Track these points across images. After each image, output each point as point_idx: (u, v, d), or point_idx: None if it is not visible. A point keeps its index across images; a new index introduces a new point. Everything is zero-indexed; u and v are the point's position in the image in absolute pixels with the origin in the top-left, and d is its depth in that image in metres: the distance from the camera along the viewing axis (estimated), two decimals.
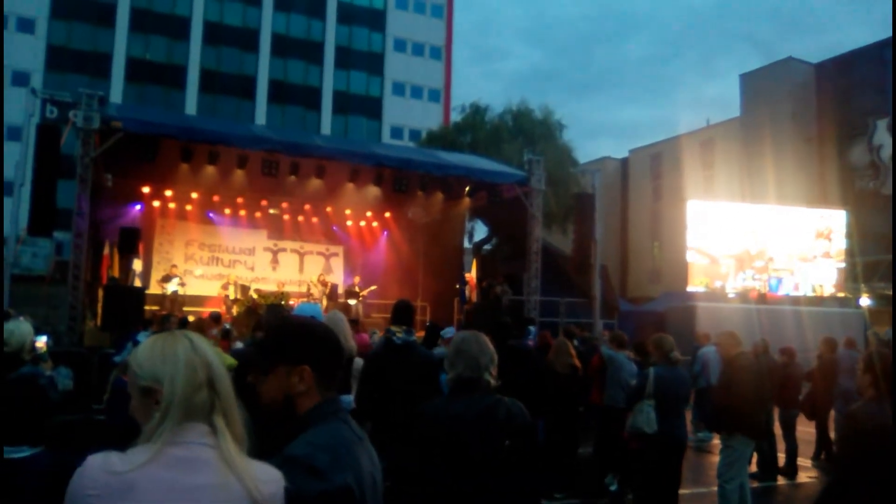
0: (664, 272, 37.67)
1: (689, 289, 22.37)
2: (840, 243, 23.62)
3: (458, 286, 18.85)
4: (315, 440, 1.71)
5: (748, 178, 34.68)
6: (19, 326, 3.97)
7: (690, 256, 22.56)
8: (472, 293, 18.79)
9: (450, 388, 2.88)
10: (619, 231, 43.78)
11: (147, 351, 1.54)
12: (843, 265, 23.62)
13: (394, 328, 4.82)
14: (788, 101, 35.37)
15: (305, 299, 18.03)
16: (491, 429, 2.70)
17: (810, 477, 9.43)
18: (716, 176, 38.35)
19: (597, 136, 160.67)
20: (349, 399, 5.33)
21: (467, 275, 19.12)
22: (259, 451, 1.59)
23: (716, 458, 10.05)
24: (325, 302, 18.28)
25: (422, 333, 8.12)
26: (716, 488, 6.48)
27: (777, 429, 9.59)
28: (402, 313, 4.91)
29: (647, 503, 6.08)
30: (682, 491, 6.58)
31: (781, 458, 9.50)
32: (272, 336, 1.90)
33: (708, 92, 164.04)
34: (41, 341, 6.04)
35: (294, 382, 1.79)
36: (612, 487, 7.73)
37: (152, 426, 1.45)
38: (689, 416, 11.92)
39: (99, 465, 1.38)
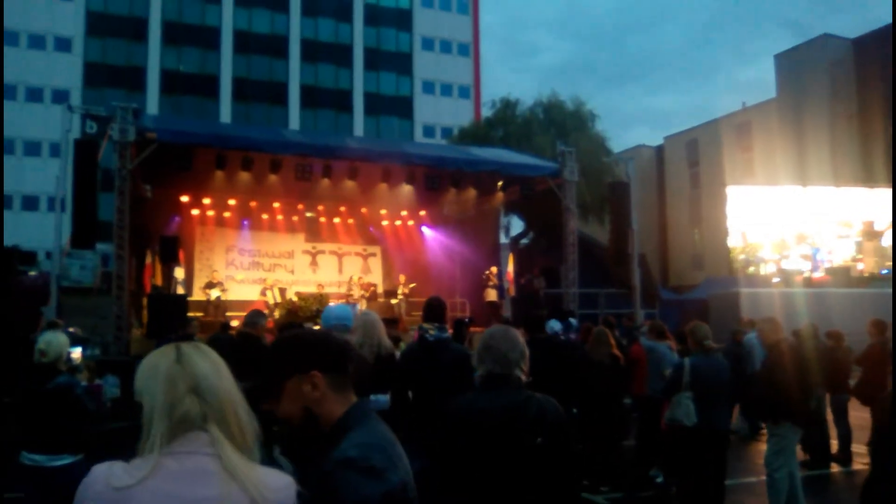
0: (706, 259, 37.06)
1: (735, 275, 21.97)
2: (887, 222, 22.95)
3: (487, 281, 18.71)
4: (365, 440, 1.68)
5: (787, 159, 33.91)
6: (56, 338, 4.05)
7: (732, 241, 22.15)
8: (509, 288, 18.71)
9: (479, 385, 2.83)
10: (657, 220, 43.16)
11: (140, 366, 1.56)
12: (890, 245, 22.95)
13: (426, 325, 4.80)
14: (826, 79, 34.49)
15: (345, 300, 18.13)
16: (521, 426, 2.64)
17: (865, 464, 9.15)
18: (754, 159, 37.57)
19: (632, 125, 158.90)
20: (385, 399, 5.31)
21: (492, 270, 18.92)
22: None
23: (765, 447, 9.86)
24: (364, 302, 18.36)
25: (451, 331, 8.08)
26: (765, 478, 6.32)
27: (829, 415, 9.34)
28: (434, 310, 4.88)
29: (691, 495, 5.93)
30: (730, 481, 6.45)
31: (835, 444, 9.25)
32: (270, 357, 1.86)
33: (743, 75, 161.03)
34: (77, 352, 6.15)
35: (308, 391, 1.75)
36: (658, 479, 7.61)
37: (142, 439, 1.45)
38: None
39: (102, 478, 1.39)
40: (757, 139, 38.15)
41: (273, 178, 16.47)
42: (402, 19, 50.35)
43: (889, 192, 23.51)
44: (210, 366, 1.53)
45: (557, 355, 5.88)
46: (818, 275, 21.83)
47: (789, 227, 22.25)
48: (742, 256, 22.09)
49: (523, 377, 2.80)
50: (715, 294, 21.54)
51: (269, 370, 1.82)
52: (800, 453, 8.90)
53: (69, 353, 4.14)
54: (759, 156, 37.38)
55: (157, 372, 1.49)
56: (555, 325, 7.29)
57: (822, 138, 32.81)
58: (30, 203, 39.22)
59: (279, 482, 1.49)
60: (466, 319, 11.10)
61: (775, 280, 21.85)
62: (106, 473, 1.39)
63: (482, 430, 2.65)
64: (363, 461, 1.60)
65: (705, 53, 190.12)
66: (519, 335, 2.90)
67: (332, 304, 17.96)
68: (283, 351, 1.85)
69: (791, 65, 36.39)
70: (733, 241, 22.16)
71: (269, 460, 1.78)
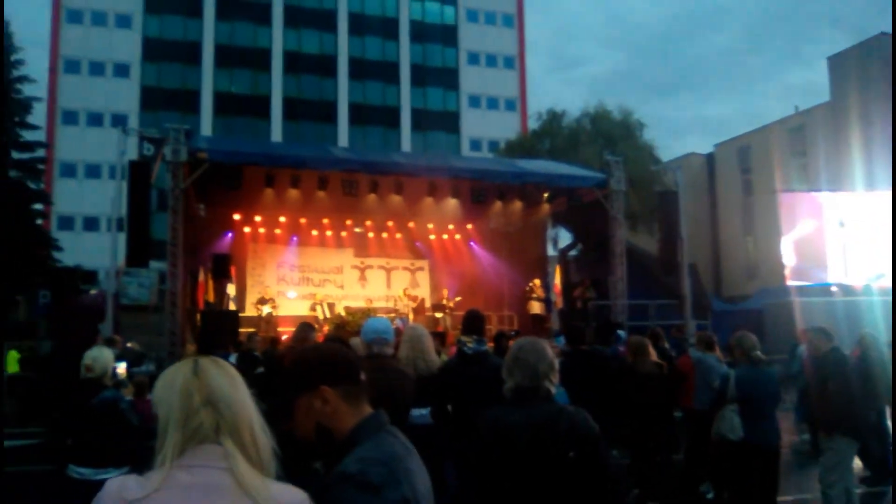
0: (760, 268, 36.13)
1: (790, 283, 21.34)
2: None
3: (531, 294, 18.56)
4: (366, 455, 1.68)
5: (843, 163, 32.92)
6: (102, 353, 4.18)
7: (786, 249, 21.56)
8: (556, 300, 18.56)
9: (509, 398, 2.81)
10: (709, 229, 42.27)
11: (159, 378, 1.58)
12: None
13: (464, 338, 4.79)
14: (882, 79, 33.43)
15: (393, 314, 18.24)
16: (553, 440, 2.62)
17: None
18: (809, 164, 36.58)
19: (683, 135, 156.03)
20: (424, 412, 5.31)
21: (535, 282, 18.75)
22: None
23: None
24: (412, 316, 18.44)
25: (492, 344, 8.04)
26: (820, 494, 6.12)
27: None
28: (473, 323, 4.87)
29: None
30: (783, 498, 6.25)
31: None
32: (282, 376, 1.88)
33: (796, 80, 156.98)
34: (122, 367, 6.33)
35: (319, 407, 1.76)
36: (709, 495, 7.42)
37: (157, 451, 1.47)
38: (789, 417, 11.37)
39: (115, 491, 1.40)
40: (810, 144, 37.16)
41: (321, 194, 16.74)
42: (448, 35, 50.72)
43: None
44: (226, 379, 1.53)
45: (594, 367, 5.80)
46: (878, 282, 21.05)
47: (846, 234, 21.55)
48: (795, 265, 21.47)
49: (553, 389, 2.78)
50: (769, 304, 20.99)
51: (281, 391, 1.83)
52: (859, 468, 8.60)
53: (115, 369, 4.26)
54: (813, 161, 36.39)
55: (173, 384, 1.51)
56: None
57: (880, 141, 31.76)
58: (90, 224, 40.62)
59: (293, 498, 1.48)
60: (512, 333, 11.04)
61: (834, 289, 21.17)
62: (119, 486, 1.41)
63: (513, 444, 2.64)
64: (361, 476, 1.59)
65: (756, 59, 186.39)
66: (548, 346, 2.88)
67: (371, 318, 17.94)
68: (290, 370, 1.86)
69: (845, 66, 35.39)
70: (788, 250, 21.55)
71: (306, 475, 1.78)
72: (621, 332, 12.25)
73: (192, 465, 1.43)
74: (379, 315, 18.19)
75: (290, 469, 1.67)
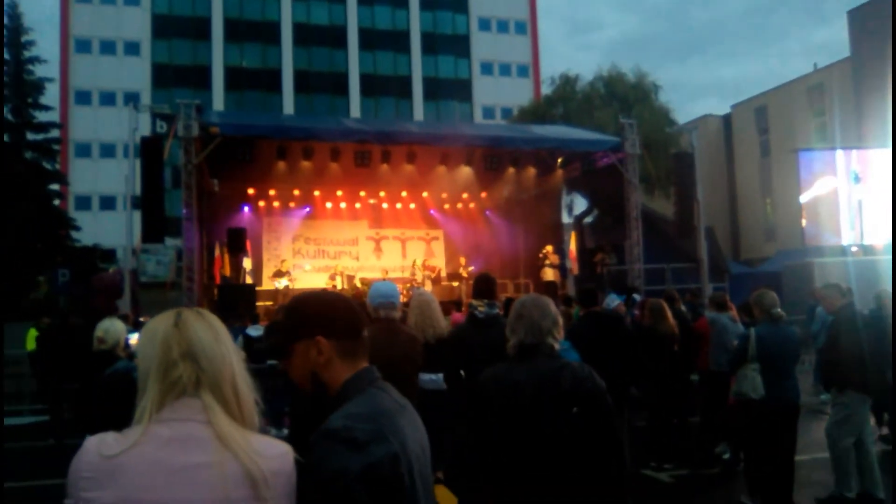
0: (779, 230, 35.71)
1: (808, 244, 21.07)
2: None
3: (544, 260, 18.48)
4: (353, 411, 1.64)
5: (864, 121, 32.30)
6: (113, 324, 4.22)
7: (806, 210, 21.26)
8: (572, 266, 18.50)
9: (512, 355, 2.78)
10: (727, 191, 41.77)
11: (142, 332, 1.55)
12: None
13: (475, 302, 4.76)
14: None
15: (409, 284, 18.29)
16: (556, 396, 2.59)
17: None
18: (828, 123, 35.94)
19: (702, 97, 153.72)
20: (438, 378, 5.33)
21: (548, 249, 18.62)
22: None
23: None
24: (429, 285, 18.47)
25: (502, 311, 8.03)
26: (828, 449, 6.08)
27: None
28: (484, 287, 4.85)
29: (759, 472, 5.73)
30: (800, 457, 6.21)
31: None
32: (282, 317, 1.86)
33: (816, 37, 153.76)
34: (134, 338, 6.37)
35: (314, 356, 1.73)
36: (725, 456, 7.41)
37: (137, 404, 1.44)
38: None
39: (93, 448, 1.37)
40: (830, 102, 36.47)
41: (334, 166, 16.73)
42: (458, 1, 50.08)
43: None
44: (208, 332, 1.49)
45: (607, 329, 5.76)
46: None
47: (862, 192, 21.19)
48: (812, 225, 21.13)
49: (556, 346, 2.75)
50: (788, 266, 20.79)
51: (280, 332, 1.81)
52: (875, 428, 8.55)
53: (128, 340, 4.30)
54: (832, 120, 35.75)
55: (154, 336, 1.48)
56: (612, 300, 7.15)
57: None
58: (107, 203, 40.92)
59: (275, 450, 1.46)
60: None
61: (854, 249, 20.88)
62: (98, 443, 1.38)
63: (516, 400, 2.62)
64: (346, 432, 1.55)
65: (773, 18, 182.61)
66: (551, 303, 2.85)
67: (377, 282, 17.85)
68: (290, 314, 1.83)
69: (866, 20, 34.51)
70: (807, 210, 21.24)
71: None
72: (636, 296, 12.21)
73: (172, 419, 1.40)
74: (397, 286, 18.27)
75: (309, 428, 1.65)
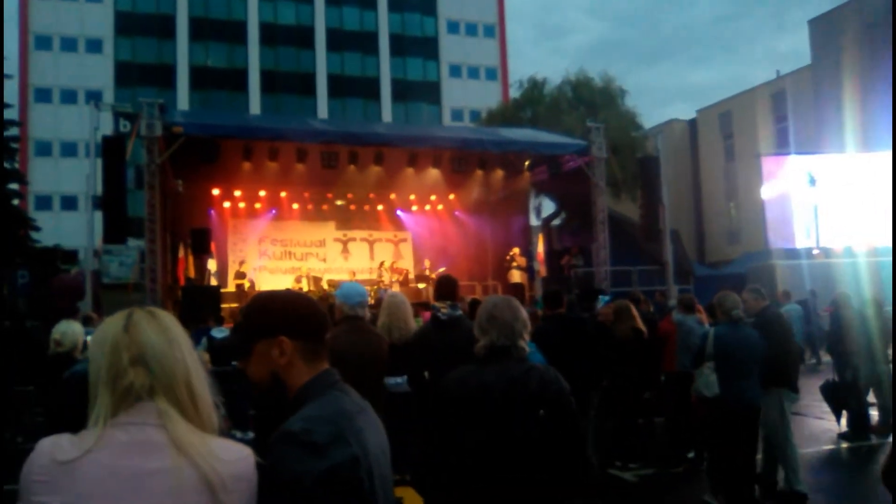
0: (743, 233, 36.36)
1: (771, 247, 21.49)
2: None
3: (511, 263, 18.56)
4: (312, 413, 1.61)
5: (824, 127, 33.01)
6: (70, 327, 4.13)
7: (769, 213, 21.67)
8: (539, 269, 18.60)
9: (480, 356, 2.76)
10: (692, 195, 42.40)
11: (93, 335, 1.51)
12: None
13: (438, 304, 4.74)
14: (862, 41, 33.38)
15: (377, 286, 18.21)
16: (523, 398, 2.58)
17: None
18: (790, 128, 36.68)
19: (669, 103, 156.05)
20: (399, 381, 5.28)
21: (514, 251, 18.70)
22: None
23: (804, 420, 9.67)
24: (397, 287, 18.40)
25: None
26: (803, 451, 6.22)
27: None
28: (445, 288, 4.82)
29: (720, 470, 5.81)
30: (760, 456, 6.30)
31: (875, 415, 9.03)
32: (243, 315, 1.81)
33: (781, 46, 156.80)
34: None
35: (275, 356, 1.70)
36: (689, 455, 7.49)
37: (90, 409, 1.40)
38: None
39: (47, 451, 1.33)
40: (792, 108, 37.22)
41: (300, 167, 16.59)
42: (427, 3, 50.08)
43: None
44: (160, 334, 1.45)
45: (570, 331, 5.79)
46: (858, 245, 21.22)
47: (826, 196, 21.66)
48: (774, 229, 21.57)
49: (526, 348, 2.75)
50: (752, 267, 21.14)
51: (241, 331, 1.78)
52: (841, 426, 8.73)
53: (85, 341, 4.20)
54: (794, 125, 36.48)
55: (104, 341, 1.43)
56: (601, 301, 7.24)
57: (862, 103, 31.80)
58: (69, 203, 40.08)
59: (234, 454, 1.42)
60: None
61: (816, 252, 21.33)
62: (51, 447, 1.34)
63: (485, 402, 2.60)
64: (304, 435, 1.52)
65: (740, 26, 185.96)
66: (520, 305, 2.85)
67: (348, 281, 17.74)
68: (253, 312, 1.79)
69: (825, 29, 35.32)
70: (770, 213, 21.66)
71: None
72: (604, 298, 12.31)
73: (128, 423, 1.37)
74: (365, 288, 18.16)
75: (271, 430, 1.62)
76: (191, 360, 1.46)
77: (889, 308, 9.59)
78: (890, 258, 19.85)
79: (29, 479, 1.32)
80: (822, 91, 34.51)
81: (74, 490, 1.30)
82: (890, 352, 8.54)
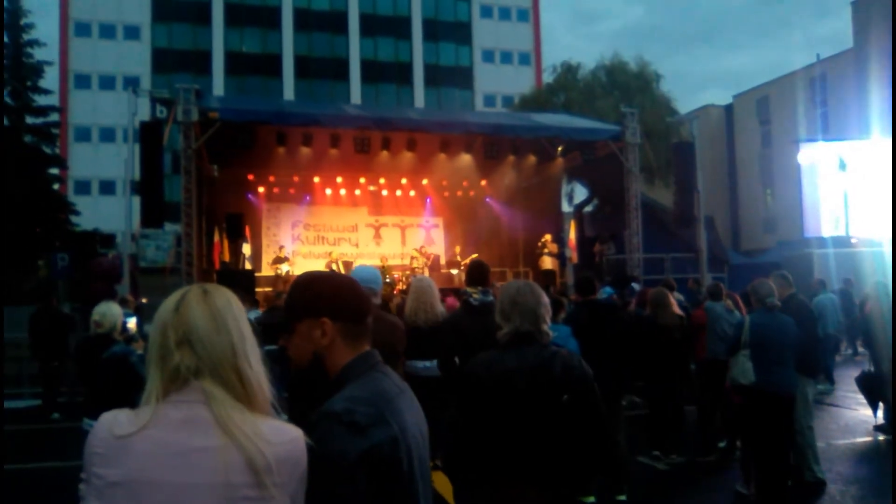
0: (779, 221, 35.72)
1: (808, 235, 21.07)
2: None
3: (543, 249, 18.45)
4: (354, 394, 1.65)
5: (866, 112, 32.19)
6: (109, 309, 4.23)
7: (807, 201, 21.24)
8: (572, 255, 18.50)
9: (504, 342, 2.76)
10: (727, 182, 41.75)
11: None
12: None
13: (469, 289, 4.74)
14: None
15: (408, 272, 18.29)
16: (547, 383, 2.60)
17: None
18: (830, 114, 35.84)
19: (705, 88, 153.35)
20: (429, 364, 5.32)
21: (546, 237, 18.58)
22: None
23: (840, 411, 9.54)
24: (427, 273, 18.46)
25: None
26: (837, 442, 6.16)
27: None
28: (477, 273, 4.82)
29: (753, 459, 5.76)
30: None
31: None
32: (289, 294, 1.85)
33: (821, 30, 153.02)
34: (132, 322, 6.41)
35: (317, 336, 1.74)
36: (721, 444, 7.44)
37: (146, 386, 1.43)
38: None
39: (107, 426, 1.38)
40: (833, 92, 36.37)
41: (333, 152, 16.68)
42: None
43: None
44: (207, 315, 1.46)
45: (602, 317, 5.75)
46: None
47: (867, 183, 21.14)
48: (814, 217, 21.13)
49: (550, 333, 2.75)
50: (787, 256, 20.77)
51: (286, 309, 1.82)
52: (878, 417, 8.59)
53: (125, 323, 4.30)
54: (834, 111, 35.65)
55: (157, 318, 1.47)
56: (604, 293, 7.15)
57: None
58: (107, 187, 40.85)
59: (283, 436, 1.43)
60: None
61: (854, 240, 20.88)
62: (110, 422, 1.38)
63: (510, 388, 2.62)
64: (347, 415, 1.56)
65: (779, 9, 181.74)
66: (542, 290, 2.85)
67: (358, 266, 17.79)
68: (298, 292, 1.83)
69: (869, 11, 34.37)
70: (808, 202, 21.22)
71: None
72: (635, 285, 12.22)
73: (179, 401, 1.40)
74: (394, 272, 18.26)
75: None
76: (238, 341, 1.46)
77: None
78: None
79: (90, 451, 1.38)
80: (864, 75, 33.64)
81: (128, 464, 1.34)
82: None
